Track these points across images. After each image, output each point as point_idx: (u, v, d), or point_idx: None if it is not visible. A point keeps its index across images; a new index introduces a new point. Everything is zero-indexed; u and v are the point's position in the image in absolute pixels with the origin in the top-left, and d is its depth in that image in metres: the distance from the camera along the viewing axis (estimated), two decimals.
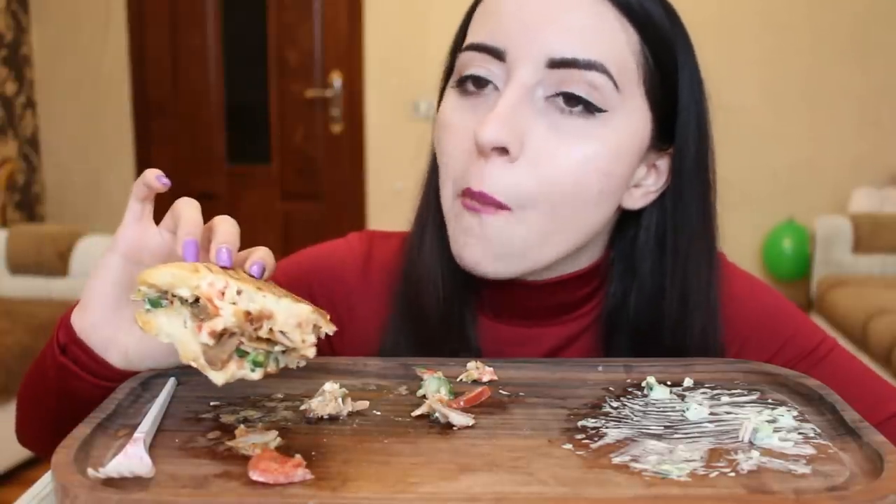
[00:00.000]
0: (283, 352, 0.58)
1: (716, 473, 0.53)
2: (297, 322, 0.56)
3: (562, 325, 0.82)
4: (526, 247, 0.72)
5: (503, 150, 0.69)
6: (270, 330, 0.55)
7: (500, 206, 0.70)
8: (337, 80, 4.49)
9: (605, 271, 0.81)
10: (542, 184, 0.69)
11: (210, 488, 0.51)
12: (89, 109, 4.72)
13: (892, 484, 0.50)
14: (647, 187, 0.77)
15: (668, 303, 0.78)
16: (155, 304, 0.57)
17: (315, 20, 4.52)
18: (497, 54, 0.70)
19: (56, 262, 3.05)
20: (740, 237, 4.23)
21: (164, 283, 0.56)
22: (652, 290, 0.78)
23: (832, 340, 0.83)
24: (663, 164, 0.77)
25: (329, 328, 0.58)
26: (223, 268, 0.60)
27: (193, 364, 0.56)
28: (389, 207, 4.37)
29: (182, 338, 0.56)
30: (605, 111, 0.70)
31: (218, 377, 0.56)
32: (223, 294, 0.55)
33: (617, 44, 0.70)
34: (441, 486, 0.51)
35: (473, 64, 0.72)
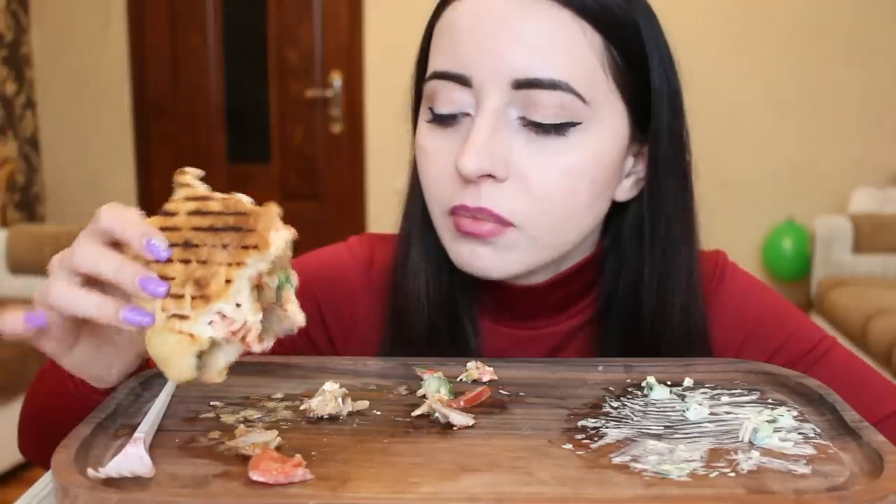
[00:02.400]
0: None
1: (716, 473, 0.53)
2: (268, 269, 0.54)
3: (562, 323, 0.82)
4: (538, 255, 0.73)
5: (489, 175, 0.70)
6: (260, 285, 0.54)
7: (504, 223, 0.71)
8: (337, 80, 4.49)
9: (600, 263, 0.81)
10: (536, 201, 0.71)
11: (210, 488, 0.51)
12: (89, 109, 4.72)
13: (892, 484, 0.50)
14: (636, 175, 0.78)
15: (646, 288, 0.78)
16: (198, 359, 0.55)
17: (315, 20, 4.52)
18: (462, 81, 0.71)
19: None
20: (740, 237, 4.23)
21: (193, 371, 0.54)
22: (633, 277, 0.78)
23: (831, 339, 0.83)
24: (647, 150, 0.77)
25: (266, 259, 0.54)
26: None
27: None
28: (389, 207, 4.32)
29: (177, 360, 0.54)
30: (578, 123, 0.70)
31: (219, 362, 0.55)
32: (225, 317, 0.53)
33: (580, 52, 0.69)
34: (441, 486, 0.51)
35: (440, 94, 0.72)
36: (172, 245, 0.55)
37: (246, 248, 0.54)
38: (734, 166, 4.31)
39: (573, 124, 0.70)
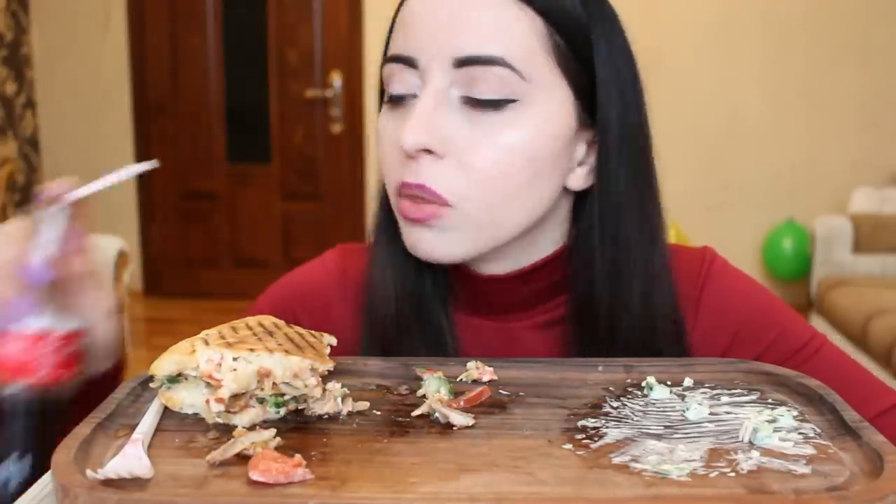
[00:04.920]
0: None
1: (716, 473, 0.53)
2: (292, 374, 0.61)
3: (538, 317, 0.82)
4: (477, 235, 0.75)
5: (430, 151, 0.72)
6: (274, 384, 0.61)
7: (442, 202, 0.73)
8: (337, 80, 4.49)
9: (570, 258, 0.81)
10: (471, 177, 0.72)
11: (210, 488, 0.51)
12: (89, 109, 4.72)
13: (892, 484, 0.50)
14: (590, 164, 0.78)
15: (598, 276, 0.78)
16: (173, 381, 0.62)
17: (315, 20, 4.52)
18: (410, 63, 0.74)
19: None
20: (740, 237, 4.23)
21: (171, 371, 0.61)
22: (589, 266, 0.79)
23: (822, 337, 0.83)
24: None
25: (326, 365, 0.63)
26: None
27: (219, 421, 0.61)
28: None
29: (203, 405, 0.62)
30: (515, 101, 0.72)
31: (242, 420, 0.61)
32: (220, 365, 0.60)
33: (518, 32, 0.72)
34: (441, 486, 0.51)
35: (393, 77, 0.76)
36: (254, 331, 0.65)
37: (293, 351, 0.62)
38: (734, 167, 4.31)
39: (511, 101, 0.72)
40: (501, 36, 0.71)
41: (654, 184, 0.80)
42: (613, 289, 0.78)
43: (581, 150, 0.77)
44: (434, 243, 0.74)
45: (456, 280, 0.82)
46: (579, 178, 0.78)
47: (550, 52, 0.73)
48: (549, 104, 0.73)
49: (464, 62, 0.71)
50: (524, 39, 0.72)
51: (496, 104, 0.72)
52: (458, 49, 0.71)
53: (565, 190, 0.78)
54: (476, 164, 0.72)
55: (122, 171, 0.69)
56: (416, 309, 0.82)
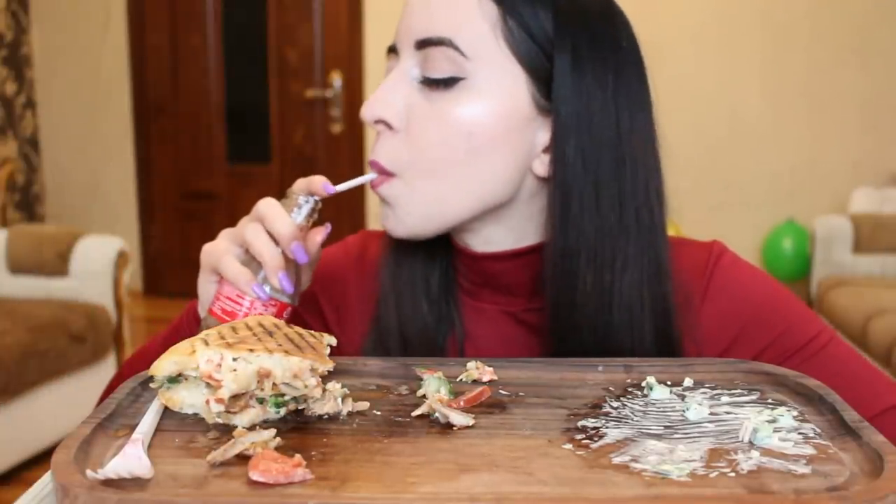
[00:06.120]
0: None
1: (716, 473, 0.53)
2: (292, 374, 0.61)
3: (535, 302, 0.83)
4: (423, 206, 0.78)
5: (389, 126, 0.78)
6: (274, 384, 0.61)
7: (388, 174, 0.78)
8: (337, 80, 4.49)
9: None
10: (413, 149, 0.77)
11: (210, 488, 0.51)
12: (89, 109, 4.72)
13: (892, 484, 0.50)
14: None
15: (547, 258, 0.78)
16: (173, 381, 0.63)
17: (315, 20, 4.52)
18: (394, 50, 0.81)
19: (56, 262, 3.05)
20: (740, 237, 4.23)
21: (172, 371, 0.61)
22: (559, 255, 0.78)
23: (829, 333, 0.82)
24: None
25: (326, 366, 0.63)
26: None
27: (219, 421, 0.61)
28: None
29: (203, 405, 0.62)
30: (462, 78, 0.76)
31: (242, 420, 0.62)
32: (220, 366, 0.60)
33: (468, 15, 0.76)
34: (441, 486, 0.51)
35: (388, 67, 0.82)
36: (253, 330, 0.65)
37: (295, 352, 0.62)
38: (735, 167, 4.31)
39: (458, 79, 0.76)
40: (450, 17, 0.76)
41: (618, 174, 0.77)
42: (566, 280, 0.77)
43: (544, 136, 0.78)
44: (392, 219, 0.79)
45: (459, 259, 0.86)
46: (544, 165, 0.79)
47: (503, 37, 0.76)
48: (494, 83, 0.76)
49: (421, 44, 0.77)
50: (472, 20, 0.75)
51: (446, 82, 0.76)
52: (417, 32, 0.77)
53: (542, 179, 0.79)
54: (420, 136, 0.77)
55: (358, 178, 0.79)
56: (424, 282, 0.86)
